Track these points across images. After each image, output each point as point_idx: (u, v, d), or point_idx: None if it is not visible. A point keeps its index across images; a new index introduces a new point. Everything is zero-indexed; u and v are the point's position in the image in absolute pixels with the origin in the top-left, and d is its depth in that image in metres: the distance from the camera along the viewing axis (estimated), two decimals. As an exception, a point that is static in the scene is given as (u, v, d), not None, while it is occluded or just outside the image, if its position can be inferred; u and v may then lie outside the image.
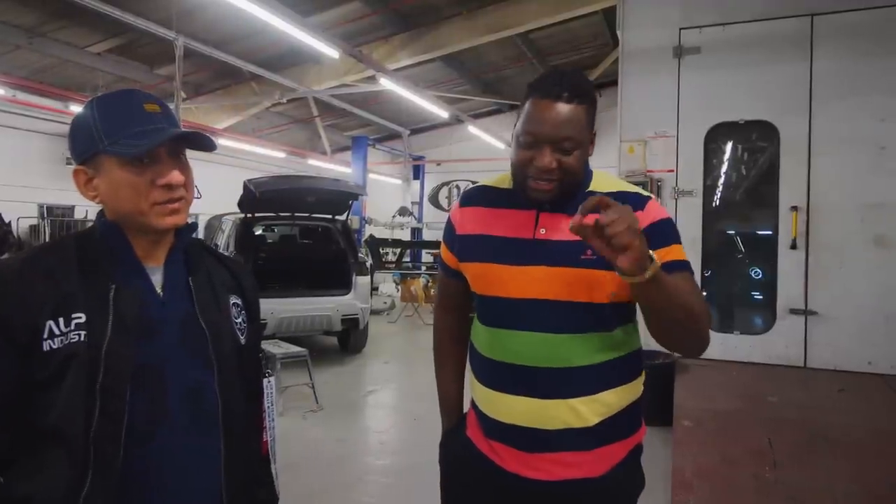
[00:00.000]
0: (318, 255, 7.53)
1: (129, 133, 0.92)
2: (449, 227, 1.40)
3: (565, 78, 1.19)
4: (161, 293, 0.96)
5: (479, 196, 1.37)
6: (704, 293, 4.41)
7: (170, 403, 0.92)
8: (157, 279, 0.97)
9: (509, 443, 1.25)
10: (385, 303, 10.80)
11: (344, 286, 6.55)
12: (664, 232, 1.21)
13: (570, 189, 1.22)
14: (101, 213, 0.98)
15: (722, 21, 4.39)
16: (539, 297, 1.21)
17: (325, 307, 6.24)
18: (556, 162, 1.17)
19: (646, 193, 1.27)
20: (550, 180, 1.18)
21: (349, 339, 6.94)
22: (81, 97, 9.08)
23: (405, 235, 15.38)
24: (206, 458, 0.95)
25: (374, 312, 8.83)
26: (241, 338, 1.04)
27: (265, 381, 1.08)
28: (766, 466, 2.80)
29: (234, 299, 1.06)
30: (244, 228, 6.59)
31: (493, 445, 1.28)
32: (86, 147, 0.94)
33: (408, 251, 13.02)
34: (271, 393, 1.09)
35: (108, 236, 0.95)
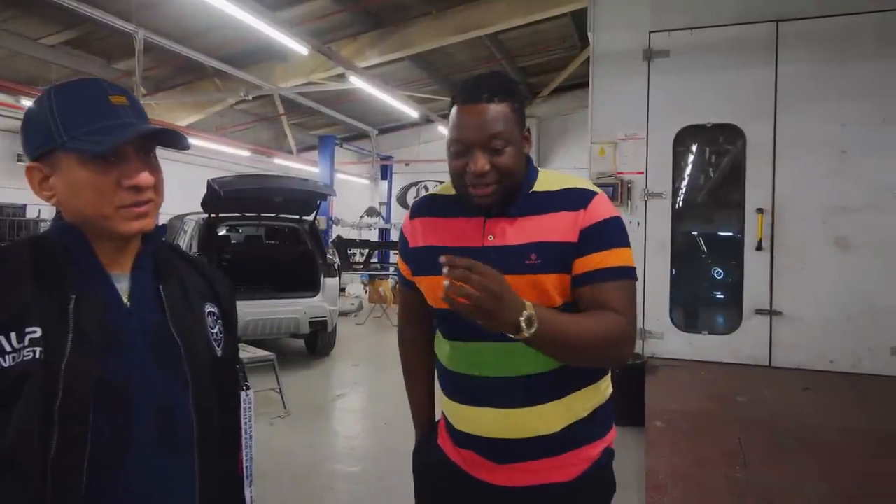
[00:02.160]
0: (284, 256, 7.39)
1: (91, 127, 0.82)
2: (402, 241, 1.37)
3: (482, 80, 1.18)
4: (128, 303, 0.87)
5: (427, 206, 1.34)
6: (672, 292, 4.48)
7: (138, 424, 0.83)
8: (122, 287, 0.88)
9: (479, 453, 1.24)
10: (353, 304, 10.67)
11: (312, 288, 6.43)
12: (605, 233, 1.17)
13: (512, 189, 1.19)
14: (58, 215, 0.88)
15: (690, 25, 4.45)
16: None
17: (292, 309, 6.12)
18: (490, 164, 1.14)
19: (593, 189, 1.22)
20: (488, 184, 1.15)
21: (317, 341, 6.81)
22: (34, 91, 8.70)
23: (373, 236, 15.25)
24: (178, 480, 0.87)
25: (342, 314, 8.71)
26: (218, 349, 0.96)
27: (243, 394, 1.00)
28: (736, 466, 2.83)
29: (209, 307, 0.98)
30: (207, 229, 6.41)
31: (464, 454, 1.27)
32: (41, 142, 0.85)
33: (376, 252, 12.90)
34: (249, 408, 1.02)
35: (67, 240, 0.86)
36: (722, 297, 4.78)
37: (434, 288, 1.25)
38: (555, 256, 1.16)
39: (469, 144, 1.15)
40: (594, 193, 1.20)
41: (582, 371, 1.23)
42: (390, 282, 10.73)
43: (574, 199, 1.19)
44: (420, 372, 1.46)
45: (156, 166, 0.89)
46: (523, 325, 0.98)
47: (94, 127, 0.83)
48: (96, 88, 0.86)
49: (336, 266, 7.10)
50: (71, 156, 0.83)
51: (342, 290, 10.65)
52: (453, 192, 1.29)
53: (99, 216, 0.85)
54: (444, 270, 0.94)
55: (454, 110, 1.18)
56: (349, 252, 11.78)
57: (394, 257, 13.65)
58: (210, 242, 6.39)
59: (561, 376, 1.19)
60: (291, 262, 6.96)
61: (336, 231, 13.72)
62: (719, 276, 4.80)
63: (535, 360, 1.16)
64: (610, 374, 1.32)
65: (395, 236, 15.54)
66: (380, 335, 8.68)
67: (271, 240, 8.25)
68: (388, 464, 3.69)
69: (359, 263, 12.01)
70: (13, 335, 0.77)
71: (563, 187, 1.22)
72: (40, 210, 10.21)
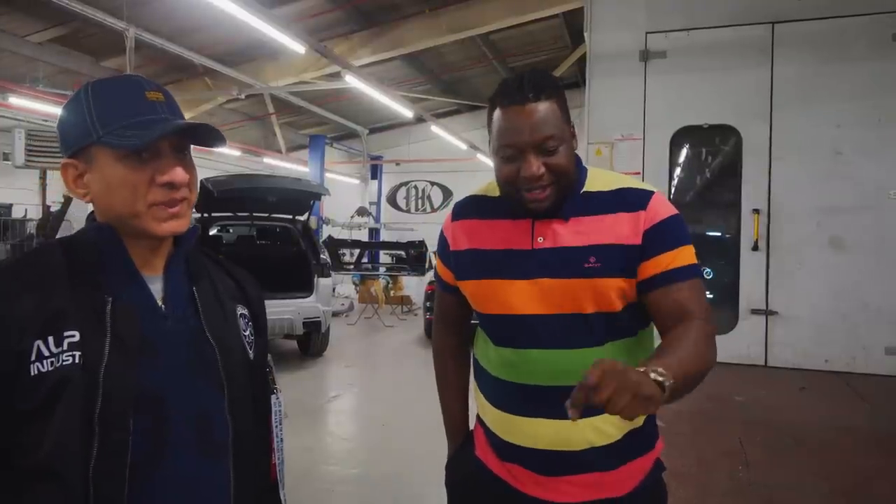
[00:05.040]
0: (277, 256, 7.35)
1: (127, 123, 0.80)
2: (443, 242, 1.31)
3: (525, 79, 1.12)
4: (162, 306, 0.85)
5: (469, 208, 1.28)
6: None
7: (175, 429, 0.81)
8: (156, 290, 0.86)
9: (528, 466, 1.18)
10: (343, 304, 10.62)
11: (305, 288, 6.40)
12: (670, 232, 1.14)
13: (567, 190, 1.15)
14: (91, 216, 0.86)
15: (687, 26, 4.46)
16: (547, 311, 1.13)
17: (286, 310, 6.08)
18: (544, 166, 1.09)
19: (650, 188, 1.19)
20: (543, 187, 1.10)
21: (310, 342, 6.78)
22: (21, 89, 8.58)
23: (363, 236, 15.19)
24: (214, 486, 0.85)
25: (333, 314, 8.68)
26: (250, 352, 0.94)
27: (273, 398, 0.99)
28: (738, 466, 2.84)
29: (240, 310, 0.96)
30: (199, 229, 6.35)
31: (510, 468, 1.21)
32: (77, 138, 0.82)
33: (366, 252, 12.85)
34: (279, 411, 1.00)
35: (102, 241, 0.83)
36: (718, 297, 4.80)
37: (480, 292, 1.21)
38: (616, 259, 1.12)
39: (521, 148, 1.09)
40: (651, 193, 1.17)
41: None
42: (382, 282, 10.70)
43: (631, 199, 1.15)
44: (456, 379, 1.41)
45: (190, 164, 0.87)
46: (664, 382, 0.86)
47: (129, 122, 0.81)
48: (133, 84, 0.85)
49: (328, 266, 7.08)
50: (106, 151, 0.81)
51: (332, 290, 10.61)
52: (496, 193, 1.25)
53: (131, 214, 0.82)
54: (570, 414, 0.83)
55: (498, 113, 1.12)
56: (340, 252, 11.73)
57: (384, 257, 13.62)
58: (202, 243, 6.33)
59: None
60: (284, 262, 6.93)
61: (326, 231, 13.64)
62: (715, 276, 4.82)
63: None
64: None
65: (385, 236, 15.50)
66: (372, 336, 8.65)
67: (264, 240, 8.20)
68: (388, 465, 3.67)
69: (349, 264, 11.96)
70: (51, 339, 0.74)
71: (617, 187, 1.18)
72: (27, 210, 10.05)
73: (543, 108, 1.09)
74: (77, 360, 0.74)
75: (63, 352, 0.74)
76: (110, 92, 0.84)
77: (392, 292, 10.87)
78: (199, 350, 0.86)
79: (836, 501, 2.58)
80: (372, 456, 4.00)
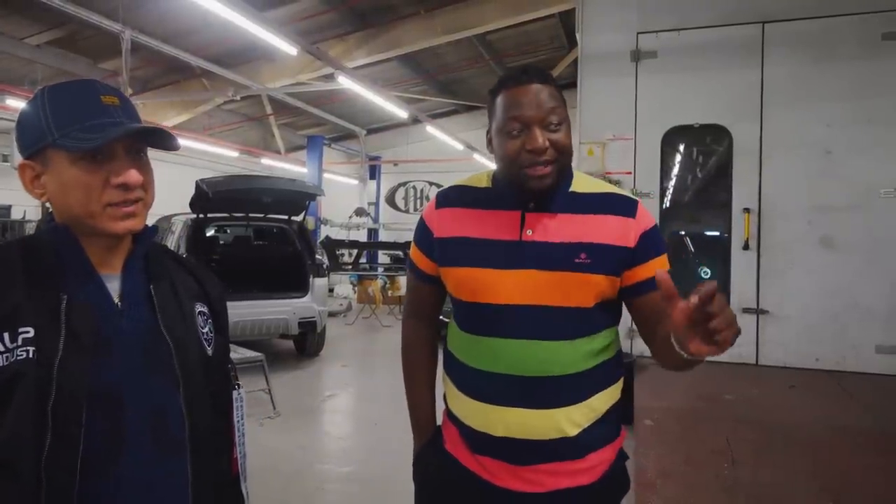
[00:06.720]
0: (273, 256, 7.37)
1: (82, 126, 0.83)
2: (424, 230, 1.31)
3: (527, 67, 1.19)
4: (119, 304, 0.88)
5: (456, 196, 1.30)
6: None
7: (131, 426, 0.83)
8: (113, 288, 0.88)
9: (500, 456, 1.20)
10: (341, 304, 10.65)
11: (301, 288, 6.41)
12: (655, 240, 1.21)
13: (564, 174, 1.19)
14: (49, 216, 0.89)
15: (678, 26, 4.48)
16: (531, 302, 1.16)
17: (281, 310, 6.10)
18: (548, 140, 1.14)
19: (632, 197, 1.24)
20: (547, 162, 1.14)
21: (306, 342, 6.80)
22: (19, 91, 8.61)
23: (361, 236, 15.21)
24: (171, 482, 0.87)
25: (330, 314, 8.69)
26: (208, 349, 0.96)
27: (235, 393, 1.01)
28: (725, 464, 2.85)
29: (199, 307, 0.98)
30: (195, 230, 6.37)
31: (481, 460, 1.22)
32: (33, 139, 0.85)
33: (364, 252, 12.87)
34: (241, 406, 1.02)
35: (58, 241, 0.86)
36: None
37: (465, 280, 1.23)
38: (607, 258, 1.16)
39: (527, 121, 1.14)
40: (636, 201, 1.23)
41: (606, 372, 1.23)
42: (380, 282, 10.72)
43: (621, 205, 1.21)
44: (425, 372, 1.41)
45: (146, 166, 0.89)
46: None
47: (84, 125, 0.83)
48: (89, 88, 0.87)
49: (325, 266, 7.09)
50: (61, 153, 0.84)
51: (330, 290, 10.63)
52: (485, 184, 1.28)
53: (87, 214, 0.85)
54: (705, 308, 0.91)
55: (503, 95, 1.17)
56: (338, 252, 11.75)
57: (382, 257, 13.64)
58: (198, 243, 6.36)
59: (593, 376, 1.20)
60: (280, 262, 6.94)
61: (324, 231, 13.67)
62: (707, 275, 4.83)
63: (572, 359, 1.17)
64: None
65: (383, 237, 15.52)
66: (369, 336, 8.66)
67: (260, 240, 8.23)
68: (380, 464, 3.69)
69: (347, 264, 11.98)
70: (6, 335, 0.77)
71: (604, 191, 1.24)
72: (25, 211, 10.09)
73: (547, 89, 1.16)
74: (31, 355, 0.77)
75: (18, 347, 0.77)
76: (66, 96, 0.86)
77: (390, 292, 10.88)
78: (155, 346, 0.88)
79: (826, 499, 2.59)
80: (365, 454, 4.02)
